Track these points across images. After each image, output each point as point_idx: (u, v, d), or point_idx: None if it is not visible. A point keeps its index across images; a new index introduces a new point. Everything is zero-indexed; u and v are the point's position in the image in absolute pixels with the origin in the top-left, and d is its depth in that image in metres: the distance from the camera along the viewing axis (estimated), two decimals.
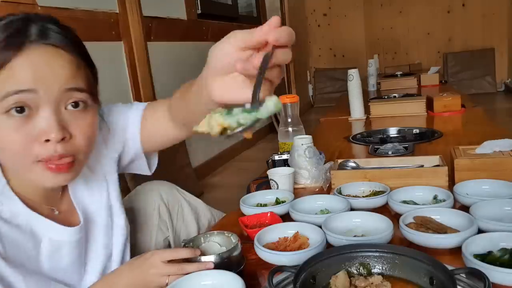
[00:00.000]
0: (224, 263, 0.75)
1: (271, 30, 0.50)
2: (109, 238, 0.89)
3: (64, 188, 0.84)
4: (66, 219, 0.82)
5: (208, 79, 0.58)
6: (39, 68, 0.66)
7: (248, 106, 0.50)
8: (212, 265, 0.74)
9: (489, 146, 1.09)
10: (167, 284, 0.72)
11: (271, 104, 0.49)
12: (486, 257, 0.68)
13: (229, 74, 0.55)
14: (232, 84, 0.55)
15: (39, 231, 0.76)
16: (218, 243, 0.84)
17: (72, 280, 0.82)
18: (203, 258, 0.76)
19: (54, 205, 0.82)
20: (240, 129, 0.50)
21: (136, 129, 0.89)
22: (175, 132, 0.87)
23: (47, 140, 0.67)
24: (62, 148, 0.68)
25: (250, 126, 0.50)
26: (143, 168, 0.96)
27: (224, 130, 0.50)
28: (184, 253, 0.76)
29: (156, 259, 0.75)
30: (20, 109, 0.65)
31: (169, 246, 1.07)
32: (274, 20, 0.50)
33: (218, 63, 0.56)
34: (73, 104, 0.70)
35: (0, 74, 0.64)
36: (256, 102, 0.49)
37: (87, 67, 0.73)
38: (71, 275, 0.82)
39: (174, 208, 1.09)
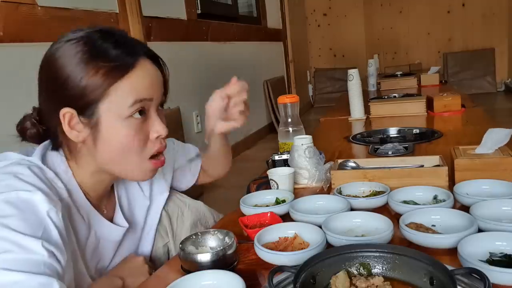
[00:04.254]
0: (220, 260, 0.76)
1: (230, 89, 0.98)
2: (131, 251, 0.97)
3: (110, 190, 0.94)
4: (109, 219, 0.90)
5: (211, 124, 1.00)
6: (152, 78, 0.81)
7: None
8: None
9: (489, 143, 1.09)
10: None
11: None
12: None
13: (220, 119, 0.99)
14: (225, 124, 1.00)
15: (91, 225, 0.85)
16: (215, 241, 0.85)
17: (95, 278, 0.87)
18: (199, 256, 0.76)
19: (104, 204, 0.92)
20: None
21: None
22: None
23: (157, 137, 0.82)
24: (164, 143, 0.84)
25: None
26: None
27: None
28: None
29: None
30: (142, 115, 0.79)
31: (168, 252, 1.06)
32: (233, 79, 0.98)
33: (214, 110, 0.99)
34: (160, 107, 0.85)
35: (123, 83, 0.76)
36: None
37: None
38: (99, 271, 0.89)
39: (174, 213, 1.08)
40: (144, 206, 1.01)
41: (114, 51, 0.76)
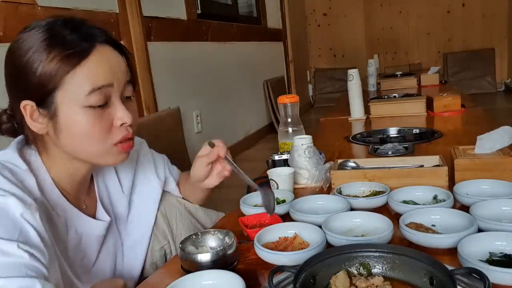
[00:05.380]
0: (220, 260, 0.76)
1: (218, 150, 0.95)
2: (117, 246, 0.97)
3: (90, 185, 0.94)
4: (91, 214, 0.90)
5: (201, 182, 1.02)
6: (112, 64, 0.78)
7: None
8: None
9: (487, 144, 1.09)
10: None
11: None
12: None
13: (209, 175, 1.01)
14: (214, 180, 1.02)
15: (69, 221, 0.84)
16: (215, 241, 0.85)
17: (81, 274, 0.86)
18: (200, 256, 0.76)
19: (83, 199, 0.91)
20: None
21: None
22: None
23: (121, 125, 0.80)
24: (131, 130, 0.83)
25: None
26: None
27: None
28: None
29: None
30: (103, 104, 0.77)
31: (164, 255, 1.06)
32: (217, 143, 0.96)
33: (198, 174, 1.01)
34: (127, 96, 0.83)
35: (78, 70, 0.74)
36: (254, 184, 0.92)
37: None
38: (85, 268, 0.88)
39: (172, 216, 1.08)
40: (123, 201, 1.00)
41: (69, 37, 0.74)
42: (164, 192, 1.10)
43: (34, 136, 0.81)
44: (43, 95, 0.74)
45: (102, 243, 0.93)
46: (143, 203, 1.04)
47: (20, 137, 0.84)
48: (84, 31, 0.76)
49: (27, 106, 0.76)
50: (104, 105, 0.78)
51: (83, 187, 0.91)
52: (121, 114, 0.79)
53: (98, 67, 0.76)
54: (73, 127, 0.77)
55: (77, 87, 0.74)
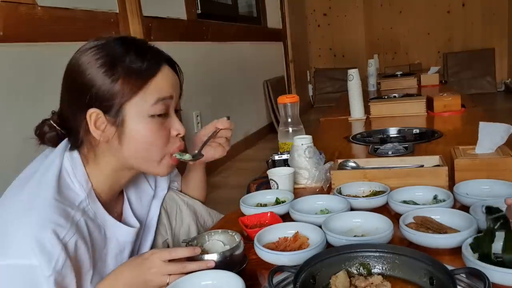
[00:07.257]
0: (227, 262, 0.75)
1: (219, 123, 1.03)
2: (139, 247, 0.99)
3: (120, 194, 0.96)
4: (122, 222, 0.91)
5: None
6: (171, 80, 0.87)
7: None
8: (213, 264, 0.74)
9: (487, 144, 1.09)
10: (168, 283, 0.72)
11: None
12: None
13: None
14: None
15: (109, 232, 0.86)
16: (222, 242, 0.84)
17: None
18: (206, 256, 0.76)
19: (115, 208, 0.93)
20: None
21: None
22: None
23: (177, 135, 0.88)
24: (183, 142, 0.90)
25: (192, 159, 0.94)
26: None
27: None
28: (183, 252, 0.76)
29: (155, 259, 0.75)
30: (164, 113, 0.84)
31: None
32: (222, 119, 1.04)
33: (203, 135, 1.04)
34: (176, 110, 0.90)
35: (149, 86, 0.82)
36: (199, 151, 0.98)
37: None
38: None
39: (173, 211, 1.08)
40: (150, 197, 1.04)
41: (141, 59, 0.82)
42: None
43: (87, 145, 0.84)
44: (112, 106, 0.80)
45: (132, 247, 0.94)
46: (158, 202, 1.08)
47: (59, 149, 0.85)
48: (153, 54, 0.85)
49: (93, 114, 0.80)
50: (165, 115, 0.85)
51: (117, 194, 0.94)
52: (178, 126, 0.88)
53: (163, 83, 0.84)
54: (139, 134, 0.82)
55: (145, 100, 0.81)
